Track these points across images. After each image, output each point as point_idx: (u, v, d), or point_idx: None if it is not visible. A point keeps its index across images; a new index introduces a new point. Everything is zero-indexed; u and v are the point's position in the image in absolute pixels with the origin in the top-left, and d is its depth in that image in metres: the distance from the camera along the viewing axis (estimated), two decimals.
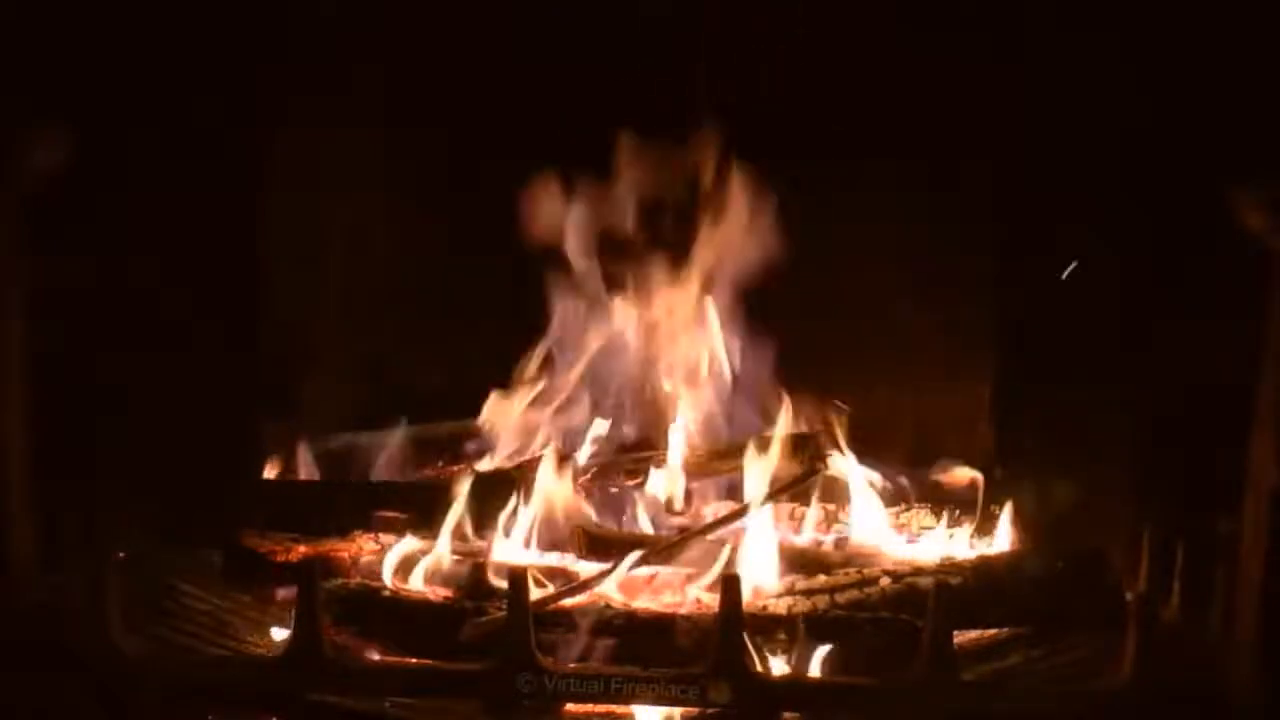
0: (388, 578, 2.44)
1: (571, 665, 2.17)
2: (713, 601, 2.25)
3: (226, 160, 2.71)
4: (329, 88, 2.87)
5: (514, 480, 2.62)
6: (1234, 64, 2.46)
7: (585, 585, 2.38)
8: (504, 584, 2.19)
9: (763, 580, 2.43)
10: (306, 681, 2.09)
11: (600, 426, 2.79)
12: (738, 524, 2.52)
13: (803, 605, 2.34)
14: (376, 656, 2.28)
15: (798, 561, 2.49)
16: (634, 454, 2.78)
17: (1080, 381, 2.70)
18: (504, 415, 2.85)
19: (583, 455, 2.74)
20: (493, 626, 2.24)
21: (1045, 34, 2.68)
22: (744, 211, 2.80)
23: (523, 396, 2.84)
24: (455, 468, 2.82)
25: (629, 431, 2.82)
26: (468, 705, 2.11)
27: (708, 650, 2.07)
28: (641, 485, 2.71)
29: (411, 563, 2.45)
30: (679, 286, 2.84)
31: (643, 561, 2.43)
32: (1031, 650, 2.35)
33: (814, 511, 2.70)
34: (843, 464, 2.71)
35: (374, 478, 2.84)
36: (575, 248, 2.81)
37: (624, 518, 2.65)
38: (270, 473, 2.86)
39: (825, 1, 2.81)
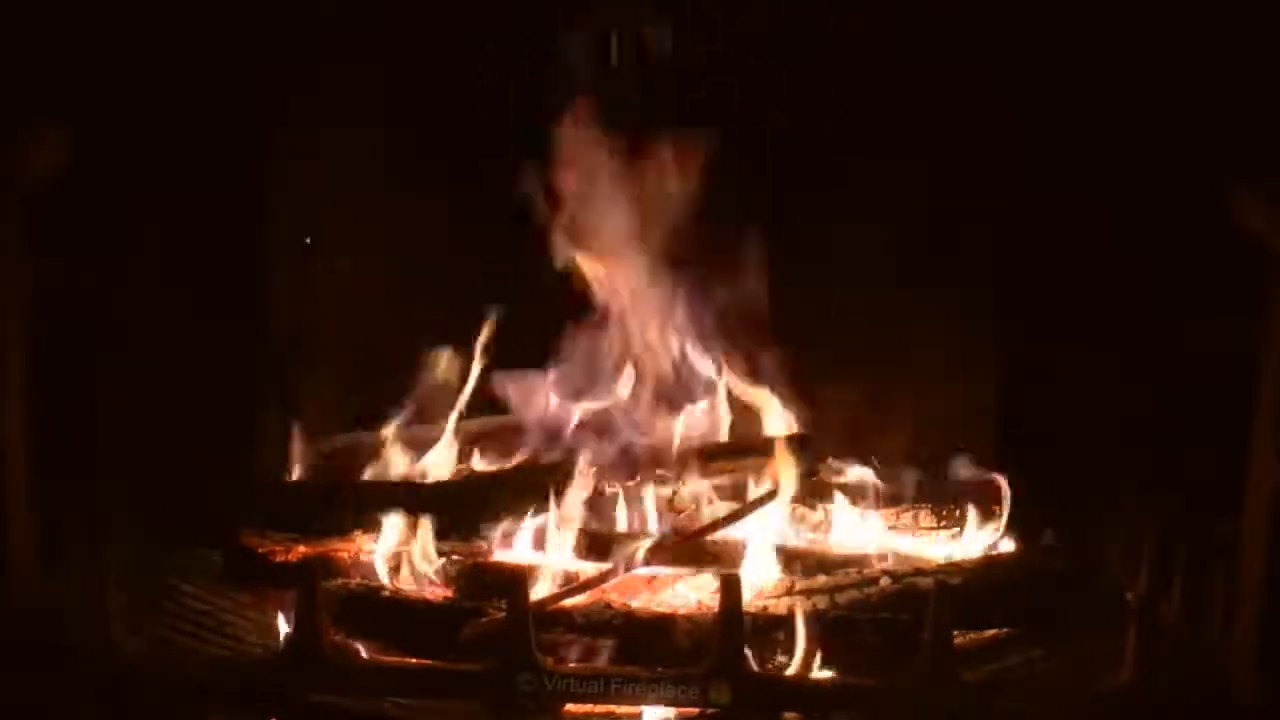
0: (382, 577, 2.44)
1: (571, 665, 2.17)
2: (712, 602, 2.25)
3: (227, 159, 2.71)
4: (329, 87, 2.87)
5: (512, 480, 2.62)
6: (1234, 64, 2.46)
7: (585, 585, 2.38)
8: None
9: (763, 580, 2.43)
10: (306, 681, 2.09)
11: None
12: (738, 524, 2.52)
13: (803, 605, 2.34)
14: (376, 656, 2.28)
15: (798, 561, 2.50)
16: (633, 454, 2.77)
17: (1081, 381, 2.70)
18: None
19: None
20: (493, 626, 2.24)
21: (1044, 34, 2.68)
22: (743, 212, 2.81)
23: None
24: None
25: (628, 431, 2.81)
26: (468, 705, 2.11)
27: (708, 650, 2.07)
28: (641, 485, 2.70)
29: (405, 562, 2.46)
30: (680, 287, 2.84)
31: (643, 562, 2.43)
32: (1031, 650, 2.35)
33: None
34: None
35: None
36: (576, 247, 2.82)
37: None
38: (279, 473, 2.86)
39: (830, 8, 2.81)
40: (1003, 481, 2.64)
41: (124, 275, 2.61)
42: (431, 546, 2.47)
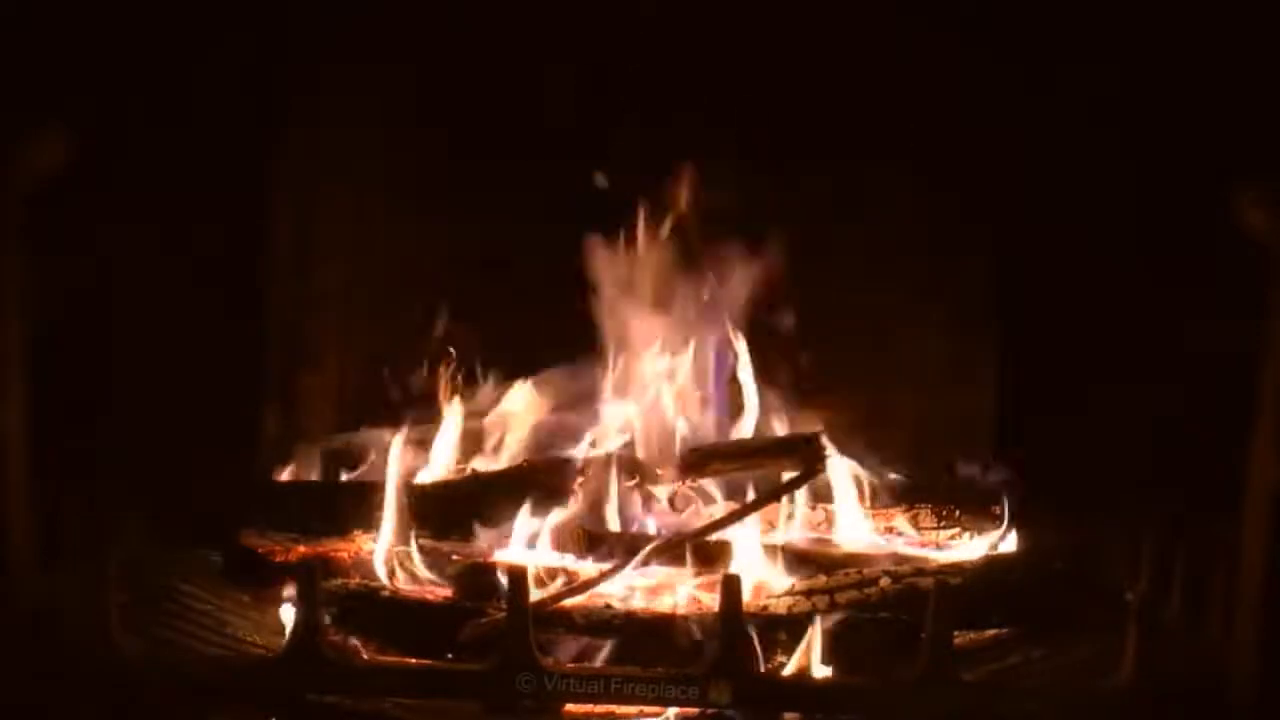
0: (382, 577, 2.44)
1: (571, 665, 2.17)
2: (712, 601, 2.25)
3: (228, 159, 2.71)
4: (331, 87, 2.87)
5: (514, 480, 2.62)
6: (1237, 65, 2.46)
7: (585, 585, 2.38)
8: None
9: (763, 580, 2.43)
10: (306, 681, 2.09)
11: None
12: (738, 524, 2.52)
13: (803, 605, 2.34)
14: (376, 656, 2.28)
15: (798, 562, 2.49)
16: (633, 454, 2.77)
17: (1081, 381, 2.70)
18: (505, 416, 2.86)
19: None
20: (493, 626, 2.24)
21: (1045, 34, 2.68)
22: (744, 213, 2.81)
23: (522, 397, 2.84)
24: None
25: (629, 432, 2.81)
26: (468, 705, 2.10)
27: (708, 650, 2.07)
28: (640, 485, 2.70)
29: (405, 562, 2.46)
30: (679, 288, 2.84)
31: (644, 562, 2.43)
32: (1031, 650, 2.35)
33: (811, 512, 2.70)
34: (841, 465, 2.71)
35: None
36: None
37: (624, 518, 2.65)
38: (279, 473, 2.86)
39: (830, 8, 2.81)
40: (1005, 486, 2.65)
41: (125, 275, 2.61)
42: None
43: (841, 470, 2.70)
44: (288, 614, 2.29)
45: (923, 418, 2.96)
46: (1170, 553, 2.28)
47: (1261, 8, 2.45)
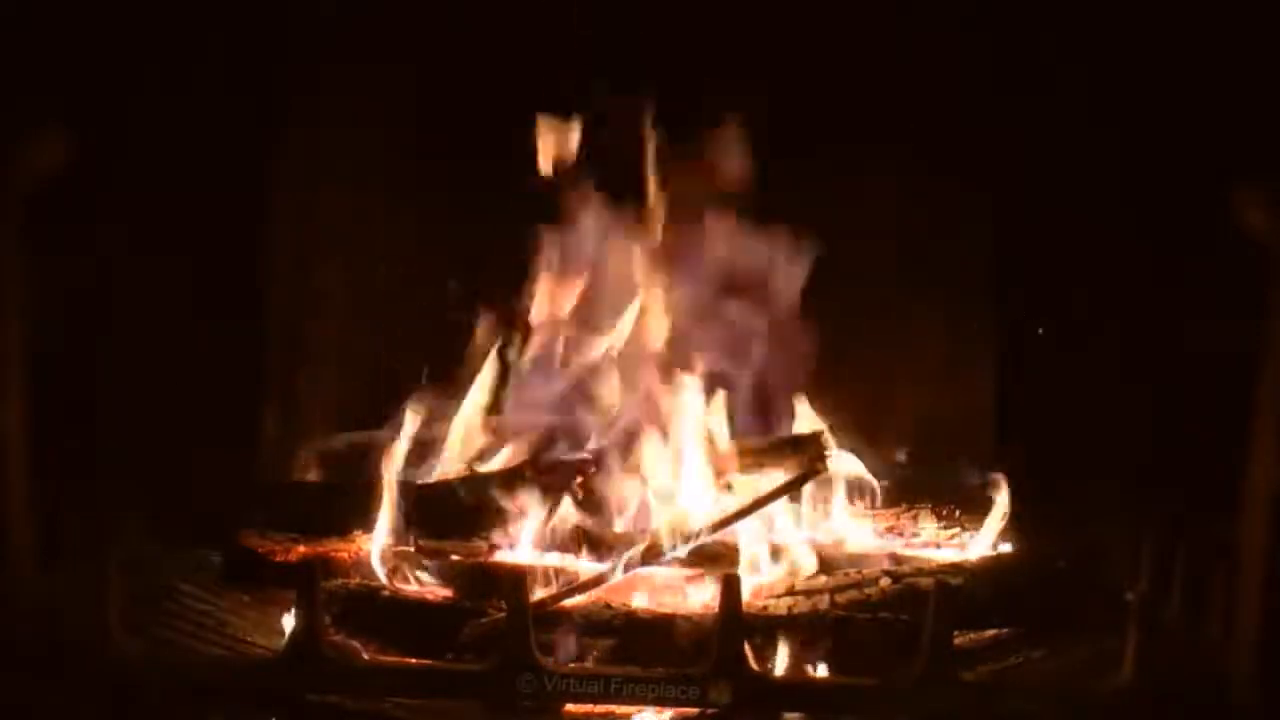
0: (382, 577, 2.44)
1: (571, 665, 2.17)
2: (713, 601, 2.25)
3: (228, 159, 2.71)
4: (331, 87, 2.87)
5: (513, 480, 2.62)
6: (1236, 65, 2.46)
7: (585, 585, 2.38)
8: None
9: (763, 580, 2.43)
10: (306, 681, 2.09)
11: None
12: (739, 524, 2.52)
13: (803, 605, 2.34)
14: (376, 656, 2.28)
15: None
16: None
17: (1081, 381, 2.70)
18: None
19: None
20: (493, 626, 2.24)
21: (1046, 33, 2.68)
22: (742, 210, 2.81)
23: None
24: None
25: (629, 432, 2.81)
26: (468, 705, 2.11)
27: (708, 650, 2.07)
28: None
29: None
30: (678, 288, 2.84)
31: (644, 562, 2.43)
32: (1031, 650, 2.35)
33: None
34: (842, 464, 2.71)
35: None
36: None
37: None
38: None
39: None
40: (1003, 482, 2.65)
41: (125, 275, 2.62)
42: None
43: (842, 470, 2.70)
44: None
45: (922, 417, 2.96)
46: (1170, 553, 2.28)
47: (1261, 8, 2.45)
